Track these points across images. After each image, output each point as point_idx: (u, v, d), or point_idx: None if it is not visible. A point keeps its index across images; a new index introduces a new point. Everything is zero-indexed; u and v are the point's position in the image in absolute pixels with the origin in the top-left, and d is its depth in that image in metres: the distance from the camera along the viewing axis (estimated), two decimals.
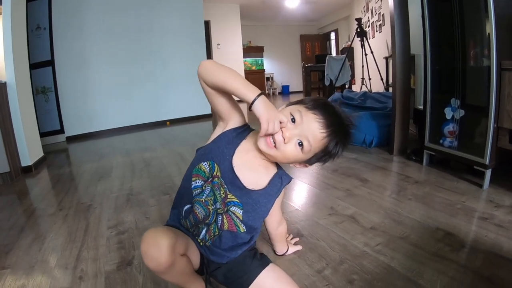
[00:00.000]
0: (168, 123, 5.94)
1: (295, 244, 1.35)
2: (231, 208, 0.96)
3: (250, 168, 0.98)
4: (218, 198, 0.96)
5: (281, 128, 0.89)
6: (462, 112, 1.92)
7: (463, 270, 1.12)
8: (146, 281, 1.19)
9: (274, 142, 0.90)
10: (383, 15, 6.73)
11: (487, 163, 1.75)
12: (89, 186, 2.45)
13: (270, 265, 1.01)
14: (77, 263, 1.37)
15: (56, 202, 2.16)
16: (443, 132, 2.04)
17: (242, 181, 0.96)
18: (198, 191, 0.97)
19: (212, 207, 0.96)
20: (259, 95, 0.87)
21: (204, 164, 0.97)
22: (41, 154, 3.49)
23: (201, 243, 1.00)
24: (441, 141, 2.07)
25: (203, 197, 0.96)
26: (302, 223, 1.58)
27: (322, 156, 0.96)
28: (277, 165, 1.05)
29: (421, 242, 1.32)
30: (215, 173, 0.96)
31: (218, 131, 1.02)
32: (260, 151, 0.96)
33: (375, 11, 7.21)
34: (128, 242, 1.52)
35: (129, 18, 5.55)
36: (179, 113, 6.10)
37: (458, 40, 1.88)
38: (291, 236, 1.42)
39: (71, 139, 5.00)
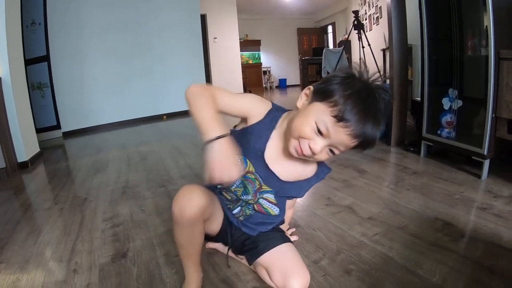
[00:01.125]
0: (164, 117, 5.90)
1: (291, 235, 1.33)
2: (264, 195, 1.00)
3: (283, 160, 0.95)
4: (250, 190, 0.98)
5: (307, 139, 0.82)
6: (460, 103, 1.90)
7: (462, 260, 1.11)
8: (141, 273, 1.18)
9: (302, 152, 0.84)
10: (380, 7, 6.70)
11: (485, 154, 1.74)
12: (85, 180, 2.43)
13: (287, 243, 1.06)
14: (71, 256, 1.35)
15: (52, 196, 2.14)
16: (441, 122, 2.03)
17: (278, 175, 0.97)
18: None
19: (242, 197, 1.00)
20: (219, 137, 0.78)
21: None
22: (37, 149, 3.47)
23: (235, 216, 1.06)
24: (439, 131, 2.06)
25: (233, 187, 0.99)
26: (299, 213, 1.57)
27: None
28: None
29: (420, 232, 1.31)
30: (247, 168, 0.95)
31: (242, 124, 0.99)
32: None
33: (372, 4, 7.18)
34: (123, 234, 1.51)
35: (125, 12, 5.50)
36: (175, 107, 6.05)
37: (456, 30, 1.86)
38: (288, 226, 1.40)
39: (68, 134, 4.96)
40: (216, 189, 1.04)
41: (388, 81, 2.62)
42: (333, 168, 2.16)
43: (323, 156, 0.85)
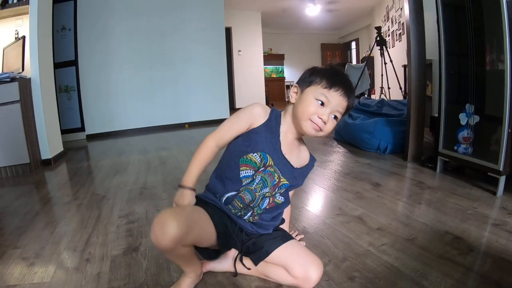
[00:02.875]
0: (187, 125, 6.00)
1: (299, 240, 1.34)
2: (282, 191, 1.10)
3: (293, 149, 1.11)
4: (268, 183, 1.06)
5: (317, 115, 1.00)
6: (477, 118, 1.88)
7: (470, 273, 1.10)
8: (150, 266, 1.23)
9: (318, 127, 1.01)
10: (403, 23, 6.67)
11: (501, 170, 1.71)
12: (105, 179, 2.52)
13: (291, 241, 1.12)
14: (85, 246, 1.42)
15: (71, 192, 2.23)
16: (458, 138, 2.01)
17: (292, 163, 1.09)
18: (248, 180, 1.05)
19: (260, 192, 1.06)
20: (184, 187, 1.06)
21: (254, 155, 1.04)
22: (61, 149, 3.61)
23: (247, 221, 1.10)
24: (455, 147, 2.03)
25: (253, 185, 1.06)
26: (309, 221, 1.58)
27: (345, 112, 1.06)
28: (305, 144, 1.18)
29: (428, 244, 1.30)
30: (268, 162, 1.05)
31: (241, 128, 1.07)
32: (295, 132, 1.08)
33: (395, 20, 7.16)
34: (136, 230, 1.56)
35: (152, 22, 5.67)
36: (198, 116, 6.16)
37: (473, 45, 1.85)
38: (296, 232, 1.42)
39: (91, 137, 5.12)
40: (219, 200, 1.08)
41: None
42: (347, 180, 2.20)
43: (330, 124, 1.02)
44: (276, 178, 1.06)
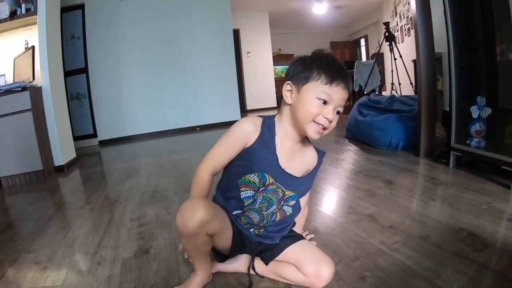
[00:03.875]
0: (198, 129, 6.03)
1: (310, 240, 1.33)
2: (290, 203, 1.06)
3: (294, 157, 1.04)
4: (273, 201, 1.03)
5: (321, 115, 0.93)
6: (488, 111, 1.84)
7: (484, 271, 1.07)
8: (160, 268, 1.24)
9: (323, 127, 0.95)
10: (411, 18, 6.59)
11: None
12: (117, 183, 2.56)
13: (303, 240, 1.13)
14: (97, 249, 1.45)
15: (84, 197, 2.27)
16: (470, 132, 1.97)
17: (295, 174, 1.03)
18: (250, 201, 1.02)
19: (267, 211, 1.04)
20: None
21: (252, 176, 0.99)
22: (74, 155, 3.67)
23: (253, 233, 1.08)
24: (468, 141, 2.00)
25: (256, 205, 1.03)
26: (320, 220, 1.56)
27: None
28: (309, 141, 1.09)
29: (442, 242, 1.27)
30: (267, 181, 1.00)
31: (235, 152, 1.01)
32: (295, 135, 1.01)
33: (403, 15, 7.09)
34: (147, 233, 1.58)
35: (160, 28, 5.73)
36: (209, 119, 6.19)
37: (482, 36, 1.81)
38: (307, 232, 1.40)
39: (104, 143, 5.19)
40: (230, 213, 1.07)
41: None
42: (358, 178, 2.17)
43: (335, 121, 0.96)
44: (280, 193, 1.02)
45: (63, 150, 3.31)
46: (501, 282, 1.01)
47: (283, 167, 1.00)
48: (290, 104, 0.98)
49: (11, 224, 1.93)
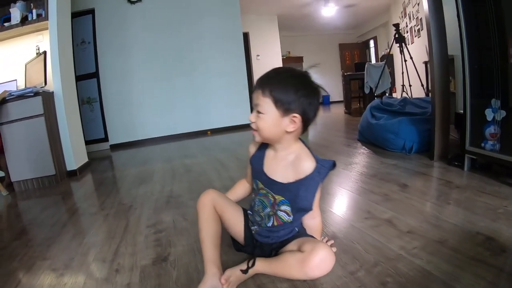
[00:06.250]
0: (208, 132, 6.07)
1: (330, 246, 1.34)
2: (281, 208, 1.17)
3: (278, 166, 1.18)
4: (267, 204, 1.19)
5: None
6: (503, 113, 1.84)
7: (503, 274, 1.07)
8: (180, 276, 1.25)
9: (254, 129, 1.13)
10: (420, 19, 6.56)
11: None
12: (130, 188, 2.58)
13: (305, 237, 1.22)
14: (114, 257, 1.45)
15: (98, 202, 2.29)
16: (485, 134, 1.96)
17: (278, 180, 1.16)
18: (252, 202, 1.27)
19: (263, 212, 1.20)
20: None
21: (253, 182, 1.26)
22: (86, 159, 3.72)
23: (253, 232, 1.25)
24: (482, 144, 1.99)
25: (256, 207, 1.24)
26: (338, 226, 1.57)
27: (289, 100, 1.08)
28: (315, 157, 1.16)
29: (460, 246, 1.27)
30: (259, 186, 1.22)
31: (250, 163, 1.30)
32: (282, 150, 1.17)
33: (413, 16, 7.05)
34: (165, 240, 1.59)
35: (170, 33, 5.80)
36: (219, 122, 6.24)
37: (496, 37, 1.81)
38: (326, 238, 1.42)
39: (115, 147, 5.25)
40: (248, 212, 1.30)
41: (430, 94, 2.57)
42: (373, 182, 2.17)
43: (258, 121, 1.11)
44: (271, 197, 1.18)
45: (75, 155, 3.36)
46: None
47: (268, 174, 1.18)
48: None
49: (24, 230, 1.95)
